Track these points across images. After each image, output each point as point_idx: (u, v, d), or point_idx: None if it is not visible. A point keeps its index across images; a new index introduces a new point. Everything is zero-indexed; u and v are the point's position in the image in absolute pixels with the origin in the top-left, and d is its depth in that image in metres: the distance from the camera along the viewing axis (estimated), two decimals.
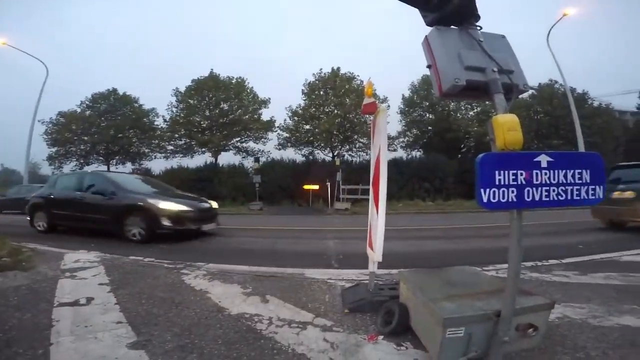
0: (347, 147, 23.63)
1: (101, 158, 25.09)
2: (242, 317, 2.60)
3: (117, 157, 25.38)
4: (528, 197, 1.46)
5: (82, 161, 24.84)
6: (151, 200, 6.68)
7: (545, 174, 1.47)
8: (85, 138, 23.94)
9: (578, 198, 1.51)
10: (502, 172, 1.44)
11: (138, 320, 2.50)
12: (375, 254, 2.62)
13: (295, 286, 3.41)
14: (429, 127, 24.73)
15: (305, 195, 18.63)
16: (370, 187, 2.85)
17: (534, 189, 1.46)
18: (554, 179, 1.48)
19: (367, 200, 3.30)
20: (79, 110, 24.73)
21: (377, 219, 2.56)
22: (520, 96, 1.95)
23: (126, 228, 6.49)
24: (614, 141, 22.86)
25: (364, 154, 22.97)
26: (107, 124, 24.04)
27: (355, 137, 22.88)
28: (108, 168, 25.37)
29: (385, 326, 2.33)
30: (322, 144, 23.20)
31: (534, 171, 1.46)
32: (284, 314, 2.65)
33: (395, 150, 23.92)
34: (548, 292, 3.08)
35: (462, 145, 24.70)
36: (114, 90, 25.42)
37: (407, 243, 6.26)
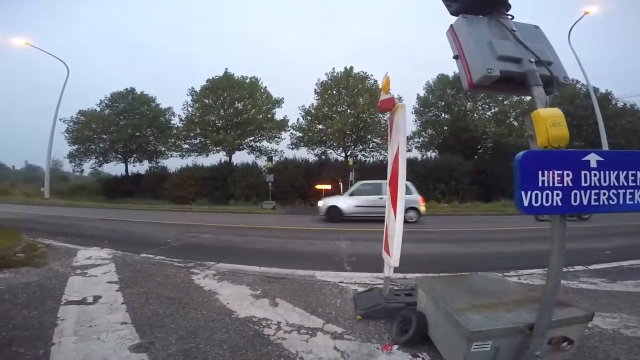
0: (361, 147, 23.38)
1: (119, 156, 25.69)
2: (249, 320, 2.50)
3: (134, 155, 25.94)
4: (575, 201, 1.28)
5: (101, 159, 25.51)
6: None
7: (595, 175, 1.28)
8: (105, 136, 24.54)
9: (632, 203, 1.31)
10: (546, 172, 1.26)
11: (143, 321, 2.43)
12: (392, 259, 2.47)
13: (306, 289, 3.30)
14: (445, 127, 24.15)
15: (317, 195, 18.47)
16: (388, 186, 2.70)
17: (582, 191, 1.28)
18: (604, 181, 1.30)
19: None
20: (98, 109, 25.39)
21: (395, 221, 2.41)
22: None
23: None
24: (639, 142, 21.80)
25: (378, 154, 22.71)
26: (126, 123, 24.56)
27: (369, 137, 22.59)
28: (126, 166, 26.03)
29: (400, 335, 2.19)
30: (334, 144, 23.04)
31: (582, 171, 1.28)
32: (293, 319, 2.54)
33: (410, 150, 23.47)
34: (575, 300, 2.89)
35: (478, 146, 24.01)
36: (132, 90, 25.98)
37: (422, 245, 6.05)
